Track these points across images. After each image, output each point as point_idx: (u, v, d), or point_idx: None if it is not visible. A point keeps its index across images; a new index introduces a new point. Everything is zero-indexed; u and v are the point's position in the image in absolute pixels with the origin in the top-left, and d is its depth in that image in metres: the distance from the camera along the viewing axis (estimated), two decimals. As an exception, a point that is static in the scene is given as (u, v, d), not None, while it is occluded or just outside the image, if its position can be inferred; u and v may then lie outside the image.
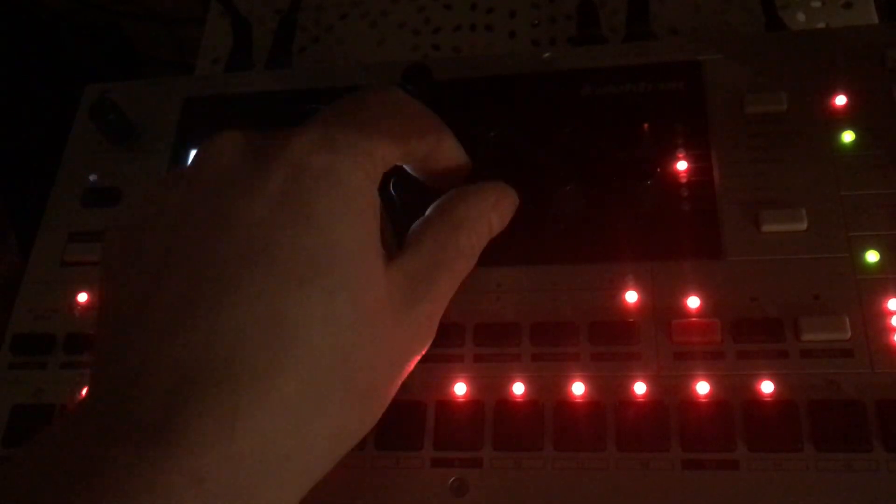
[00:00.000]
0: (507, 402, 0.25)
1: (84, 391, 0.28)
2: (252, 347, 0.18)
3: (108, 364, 0.19)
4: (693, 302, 0.25)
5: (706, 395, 0.24)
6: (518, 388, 0.25)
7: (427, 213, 0.24)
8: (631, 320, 0.25)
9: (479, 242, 0.24)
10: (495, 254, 0.25)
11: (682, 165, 0.28)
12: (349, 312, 0.19)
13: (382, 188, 0.22)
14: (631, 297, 0.26)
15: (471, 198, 0.24)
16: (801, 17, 0.36)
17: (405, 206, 0.26)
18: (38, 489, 0.16)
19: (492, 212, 0.24)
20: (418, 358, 0.23)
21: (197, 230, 0.19)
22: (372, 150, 0.21)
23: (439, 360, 0.25)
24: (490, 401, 0.25)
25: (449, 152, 0.24)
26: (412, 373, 0.23)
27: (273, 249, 0.19)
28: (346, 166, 0.20)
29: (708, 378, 0.24)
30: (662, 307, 0.25)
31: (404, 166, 0.24)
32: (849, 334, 0.24)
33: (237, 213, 0.19)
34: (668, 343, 0.25)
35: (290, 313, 0.18)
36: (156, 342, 0.18)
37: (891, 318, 0.24)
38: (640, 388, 0.24)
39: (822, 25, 0.36)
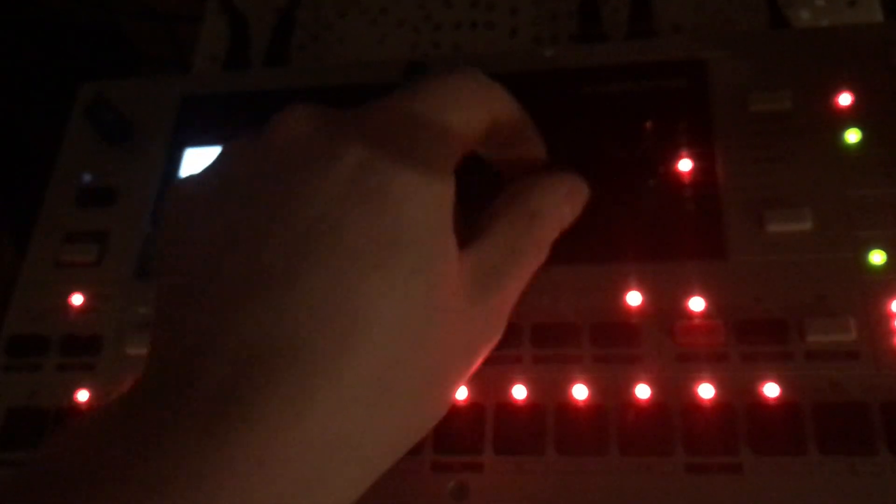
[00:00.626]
0: (507, 405, 0.24)
1: (78, 394, 0.28)
2: (323, 329, 0.17)
3: (169, 338, 0.18)
4: (696, 303, 0.25)
5: (710, 398, 0.24)
6: (519, 391, 0.25)
7: (499, 199, 0.23)
8: (633, 322, 0.25)
9: (552, 234, 0.23)
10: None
11: (685, 165, 0.27)
12: (422, 297, 0.18)
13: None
14: (633, 298, 0.25)
15: (546, 187, 0.23)
16: (804, 14, 0.36)
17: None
18: (96, 461, 0.16)
19: (565, 203, 0.23)
20: (487, 351, 0.22)
21: (267, 204, 0.19)
22: (451, 132, 0.20)
23: (439, 363, 0.25)
24: (490, 404, 0.25)
25: (528, 142, 0.24)
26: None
27: (346, 229, 0.18)
28: (423, 147, 0.20)
29: (711, 380, 0.24)
30: (665, 308, 0.25)
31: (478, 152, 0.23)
32: (854, 336, 0.24)
33: (310, 190, 0.18)
34: (670, 345, 0.25)
35: (362, 296, 0.18)
36: (222, 317, 0.17)
37: (897, 320, 0.24)
38: (642, 390, 0.24)
39: (826, 23, 0.35)
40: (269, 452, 0.16)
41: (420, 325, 0.18)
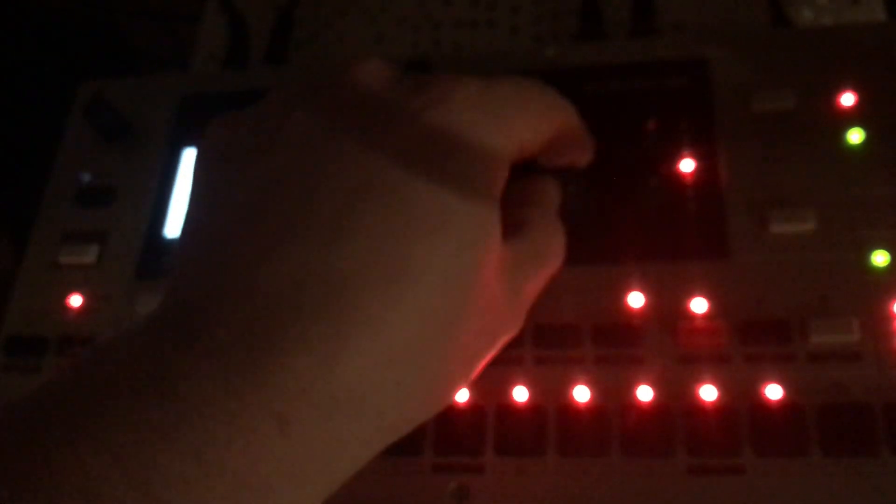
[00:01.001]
0: (509, 407, 0.24)
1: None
2: (367, 288, 0.16)
3: (193, 274, 0.17)
4: (699, 304, 0.25)
5: (712, 400, 0.23)
6: (520, 393, 0.25)
7: (525, 199, 0.23)
8: (635, 323, 0.25)
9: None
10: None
11: (687, 165, 0.27)
12: (467, 272, 0.18)
13: None
14: (635, 299, 0.25)
15: (556, 193, 0.24)
16: (807, 13, 0.36)
17: None
18: (99, 402, 0.15)
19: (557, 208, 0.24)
20: (505, 343, 0.21)
21: (322, 151, 0.18)
22: (519, 132, 0.20)
23: (440, 364, 0.25)
24: (492, 405, 0.24)
25: (580, 152, 0.24)
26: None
27: (407, 191, 0.17)
28: (491, 135, 0.19)
29: (714, 382, 0.24)
30: (667, 309, 0.25)
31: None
32: (857, 336, 0.23)
33: (374, 145, 0.18)
34: (673, 346, 0.24)
35: (412, 261, 0.17)
36: (257, 259, 0.16)
37: (900, 321, 0.24)
38: (644, 392, 0.24)
39: (828, 22, 0.35)
40: (291, 413, 0.15)
41: (460, 301, 0.18)
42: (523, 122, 0.21)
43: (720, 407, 0.23)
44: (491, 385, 0.25)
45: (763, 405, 0.23)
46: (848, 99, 0.27)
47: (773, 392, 0.23)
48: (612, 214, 0.27)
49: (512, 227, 0.21)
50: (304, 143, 0.18)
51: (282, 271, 0.16)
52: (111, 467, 0.14)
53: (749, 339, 0.24)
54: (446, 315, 0.18)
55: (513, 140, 0.20)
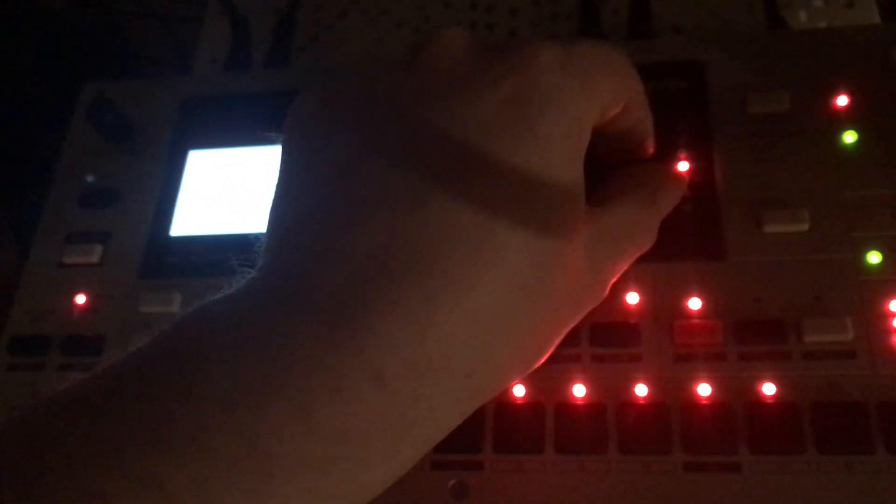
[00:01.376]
0: (507, 405, 0.25)
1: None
2: (455, 251, 0.17)
3: (289, 240, 0.18)
4: (695, 303, 0.25)
5: (708, 397, 0.24)
6: (518, 391, 0.25)
7: (617, 178, 0.23)
8: (632, 322, 0.25)
9: (659, 222, 0.23)
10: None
11: (683, 165, 0.27)
12: (550, 241, 0.18)
13: None
14: (632, 298, 0.26)
15: (666, 179, 0.24)
16: (802, 16, 0.36)
17: None
18: (200, 362, 0.15)
19: (674, 196, 0.24)
20: (585, 313, 0.21)
21: (409, 120, 0.18)
22: (602, 93, 0.20)
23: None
24: (490, 403, 0.25)
25: (648, 129, 0.24)
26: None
27: (491, 157, 0.18)
28: (576, 97, 0.19)
29: (710, 380, 0.24)
30: (664, 308, 0.25)
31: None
32: (851, 336, 0.24)
33: (459, 111, 0.18)
34: (669, 345, 0.25)
35: (498, 226, 0.17)
36: (348, 224, 0.17)
37: (893, 320, 0.24)
38: (641, 389, 0.24)
39: (823, 24, 0.36)
40: (386, 371, 0.16)
41: (542, 269, 0.18)
42: (605, 83, 0.21)
43: (716, 405, 0.24)
44: (490, 383, 0.25)
45: (758, 403, 0.23)
46: (842, 101, 0.27)
47: (769, 390, 0.23)
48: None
49: (602, 199, 0.22)
50: (391, 114, 0.19)
51: (371, 235, 0.17)
52: (221, 415, 0.14)
53: (744, 337, 0.24)
54: (532, 280, 0.18)
55: (595, 102, 0.20)
